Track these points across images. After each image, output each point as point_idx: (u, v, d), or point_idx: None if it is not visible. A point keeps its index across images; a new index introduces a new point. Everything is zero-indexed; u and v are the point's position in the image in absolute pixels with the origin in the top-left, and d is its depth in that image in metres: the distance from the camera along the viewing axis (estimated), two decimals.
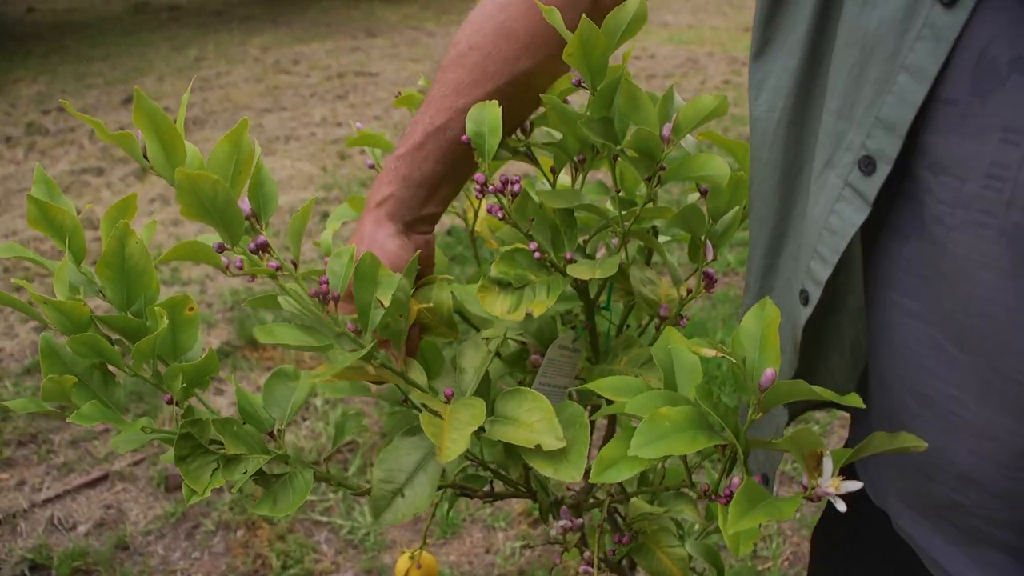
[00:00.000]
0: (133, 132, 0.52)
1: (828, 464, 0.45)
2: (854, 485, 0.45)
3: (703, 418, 0.50)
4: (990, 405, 0.45)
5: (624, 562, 0.96)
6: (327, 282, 0.53)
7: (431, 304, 0.63)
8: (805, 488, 0.46)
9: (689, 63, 5.67)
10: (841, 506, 0.44)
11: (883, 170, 0.45)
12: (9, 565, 1.65)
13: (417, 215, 0.66)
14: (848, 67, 0.47)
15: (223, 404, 2.13)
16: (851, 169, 0.47)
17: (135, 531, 1.74)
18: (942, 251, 0.44)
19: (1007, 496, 0.47)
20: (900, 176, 0.46)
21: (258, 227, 0.53)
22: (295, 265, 0.54)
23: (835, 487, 0.44)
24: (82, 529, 1.75)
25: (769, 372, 0.47)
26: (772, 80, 0.56)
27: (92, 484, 1.89)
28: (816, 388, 0.45)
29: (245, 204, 0.52)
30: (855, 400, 0.45)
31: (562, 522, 0.73)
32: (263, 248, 0.52)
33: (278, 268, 0.53)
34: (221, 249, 0.51)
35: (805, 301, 0.54)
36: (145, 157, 0.53)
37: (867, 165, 0.46)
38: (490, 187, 0.61)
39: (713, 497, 0.57)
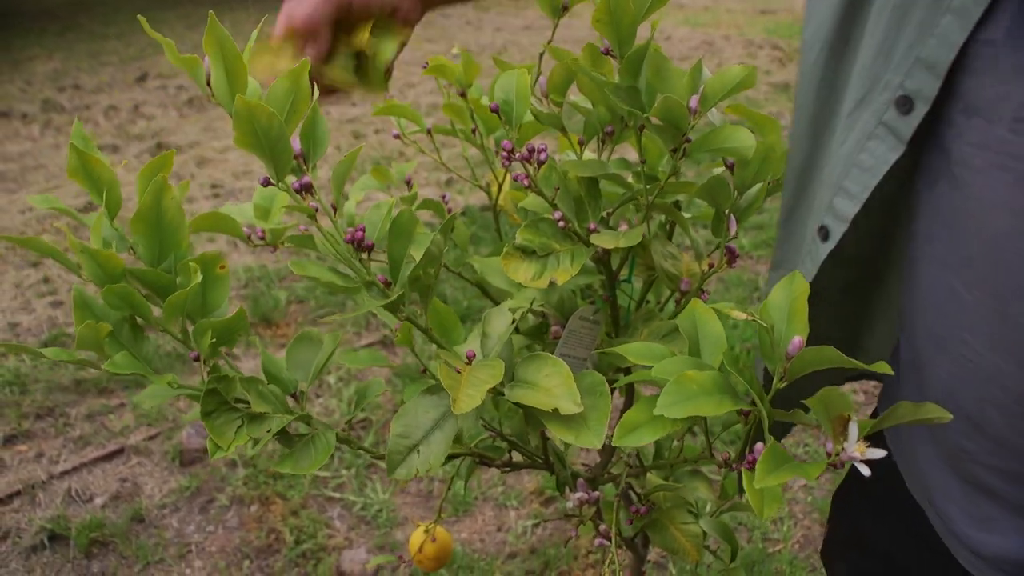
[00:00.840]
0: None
1: (854, 429, 0.45)
2: (878, 452, 0.45)
3: (729, 384, 0.50)
4: (998, 350, 0.46)
5: (638, 539, 0.96)
6: (363, 229, 0.53)
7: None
8: (829, 454, 0.46)
9: (705, 45, 5.63)
10: (865, 471, 0.44)
11: (920, 110, 0.46)
12: (29, 534, 1.67)
13: None
14: (891, 8, 0.48)
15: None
16: (886, 108, 0.48)
17: (150, 504, 1.76)
18: (966, 195, 0.45)
19: (1008, 445, 0.48)
20: (932, 119, 0.47)
21: (304, 168, 0.53)
22: (335, 209, 0.54)
23: (860, 452, 0.44)
24: (99, 501, 1.78)
25: (797, 340, 0.47)
26: (816, 19, 0.57)
27: (108, 458, 1.91)
28: (844, 357, 0.45)
29: (296, 143, 0.52)
30: (884, 368, 0.45)
31: (579, 494, 0.74)
32: (307, 188, 0.52)
33: (317, 209, 0.53)
34: (267, 183, 0.52)
35: (825, 236, 0.55)
36: (208, 86, 0.53)
37: (904, 104, 0.47)
38: (517, 155, 0.61)
39: (734, 466, 0.57)
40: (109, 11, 8.12)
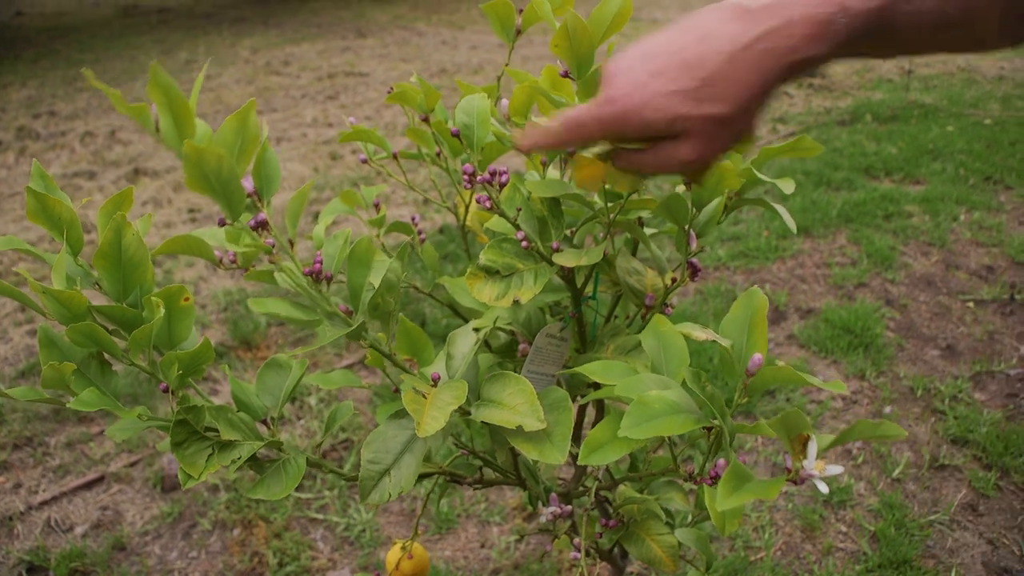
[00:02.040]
0: (132, 122, 0.53)
1: (813, 447, 0.46)
2: (836, 469, 0.46)
3: (691, 402, 0.51)
4: None
5: (616, 551, 0.97)
6: (321, 261, 0.54)
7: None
8: (789, 471, 0.47)
9: None
10: (824, 488, 0.45)
11: None
12: (7, 567, 1.65)
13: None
14: None
15: (218, 402, 2.14)
16: None
17: (132, 532, 1.75)
18: None
19: None
20: None
21: (259, 205, 0.54)
22: (291, 244, 0.55)
23: (819, 470, 0.46)
24: (79, 530, 1.76)
25: (757, 357, 0.49)
26: None
27: (88, 486, 1.89)
28: (802, 374, 0.46)
29: (248, 181, 0.53)
30: (838, 387, 0.46)
31: (551, 509, 0.75)
32: (263, 225, 0.53)
33: (274, 245, 0.54)
34: (222, 224, 0.52)
35: None
36: (157, 130, 0.54)
37: None
38: (478, 178, 0.62)
39: (699, 480, 0.58)
40: (85, 37, 8.10)
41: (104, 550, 1.69)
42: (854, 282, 2.58)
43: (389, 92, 0.79)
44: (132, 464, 1.95)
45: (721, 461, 0.55)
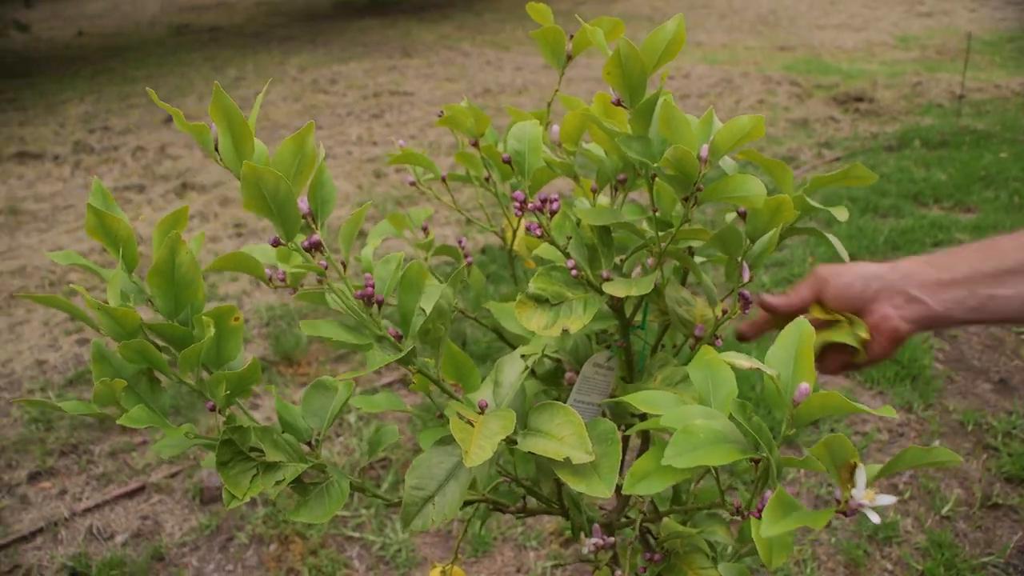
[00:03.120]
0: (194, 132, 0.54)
1: (862, 475, 0.44)
2: (889, 499, 0.44)
3: (737, 433, 0.50)
4: None
5: None
6: (373, 285, 0.54)
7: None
8: (838, 502, 0.46)
9: (723, 83, 5.66)
10: (875, 518, 0.44)
11: None
12: (51, 572, 1.68)
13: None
14: None
15: (258, 418, 2.16)
16: None
17: (170, 542, 1.77)
18: None
19: None
20: None
21: (313, 226, 0.54)
22: (344, 267, 0.55)
23: (869, 499, 0.44)
24: (119, 539, 1.79)
25: (804, 387, 0.48)
26: None
27: (130, 495, 1.92)
28: (851, 402, 0.45)
29: (304, 203, 0.54)
30: (888, 412, 0.45)
31: (594, 540, 0.73)
32: (316, 247, 0.53)
33: (326, 268, 0.54)
34: (277, 244, 0.53)
35: None
36: (216, 150, 0.55)
37: None
38: (529, 205, 0.62)
39: (746, 513, 0.57)
40: (139, 55, 8.34)
41: (143, 560, 1.71)
42: None
43: (439, 116, 0.79)
44: (173, 475, 1.98)
45: (768, 493, 0.53)
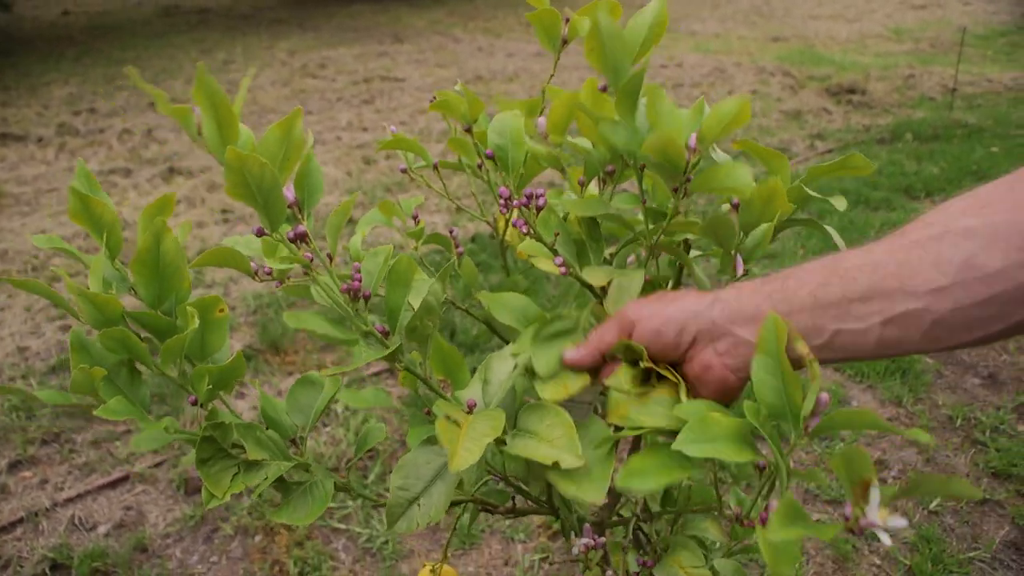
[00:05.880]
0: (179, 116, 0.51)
1: (876, 495, 0.42)
2: (901, 522, 0.42)
3: (750, 435, 0.48)
4: None
5: None
6: (360, 279, 0.52)
7: None
8: (847, 519, 0.44)
9: (716, 72, 5.64)
10: (887, 540, 0.42)
11: None
12: (31, 563, 1.65)
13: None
14: None
15: (243, 408, 2.14)
16: None
17: (154, 533, 1.74)
18: None
19: None
20: None
21: (299, 216, 0.52)
22: (330, 259, 0.53)
23: (882, 519, 0.42)
24: (102, 530, 1.76)
25: (824, 396, 0.46)
26: None
27: (113, 485, 1.90)
28: (877, 418, 0.43)
29: (290, 192, 0.51)
30: (923, 436, 0.43)
31: (584, 540, 0.72)
32: (302, 237, 0.51)
33: (312, 260, 0.52)
34: (260, 234, 0.51)
35: None
36: (199, 134, 0.52)
37: None
38: (515, 201, 0.60)
39: (745, 522, 0.55)
40: (126, 35, 8.24)
41: (126, 551, 1.68)
42: None
43: (432, 101, 0.77)
44: (157, 465, 1.95)
45: (774, 502, 0.51)
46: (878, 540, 1.65)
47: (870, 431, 1.95)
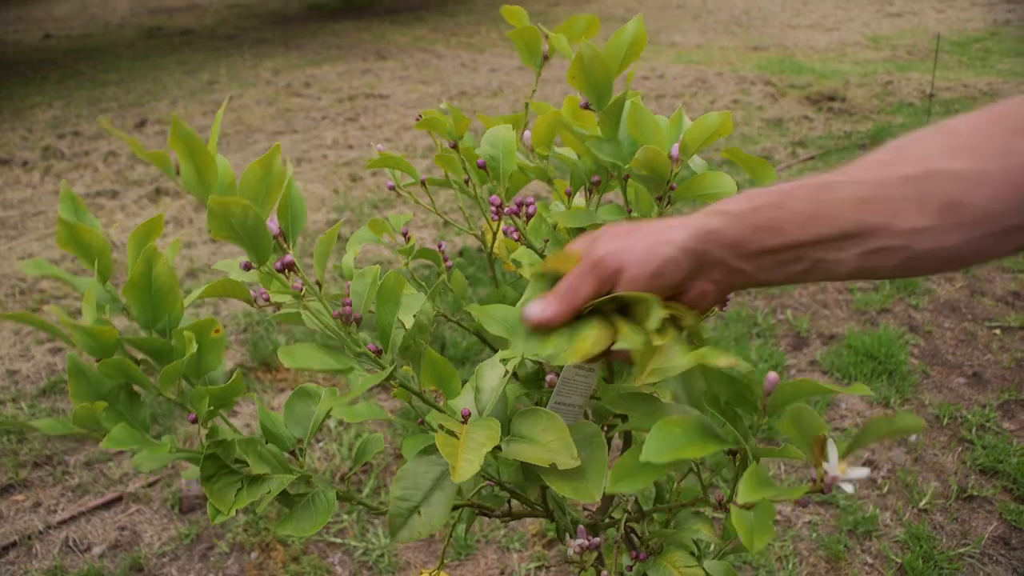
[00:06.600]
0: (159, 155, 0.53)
1: (832, 448, 0.44)
2: (862, 471, 0.44)
3: (712, 426, 0.50)
4: None
5: None
6: (350, 304, 0.54)
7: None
8: (814, 481, 0.45)
9: (698, 83, 5.70)
10: (850, 488, 0.44)
11: None
12: None
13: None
14: None
15: (237, 424, 2.13)
16: None
17: (149, 553, 1.74)
18: None
19: None
20: None
21: (285, 246, 0.54)
22: (319, 286, 0.55)
23: (842, 471, 0.44)
24: (97, 551, 1.76)
25: (772, 376, 0.48)
26: None
27: (107, 506, 1.89)
28: (820, 383, 0.45)
29: (274, 224, 0.53)
30: (862, 390, 0.45)
31: (579, 541, 0.73)
32: (289, 267, 0.53)
33: (301, 289, 0.53)
34: (248, 268, 0.52)
35: None
36: (177, 174, 0.54)
37: None
38: (506, 209, 0.62)
39: (726, 506, 0.57)
40: (110, 58, 8.24)
41: (121, 571, 1.68)
42: (877, 307, 2.55)
43: (418, 119, 0.79)
44: (150, 484, 1.95)
45: None
46: (870, 539, 1.68)
47: (855, 429, 1.98)
